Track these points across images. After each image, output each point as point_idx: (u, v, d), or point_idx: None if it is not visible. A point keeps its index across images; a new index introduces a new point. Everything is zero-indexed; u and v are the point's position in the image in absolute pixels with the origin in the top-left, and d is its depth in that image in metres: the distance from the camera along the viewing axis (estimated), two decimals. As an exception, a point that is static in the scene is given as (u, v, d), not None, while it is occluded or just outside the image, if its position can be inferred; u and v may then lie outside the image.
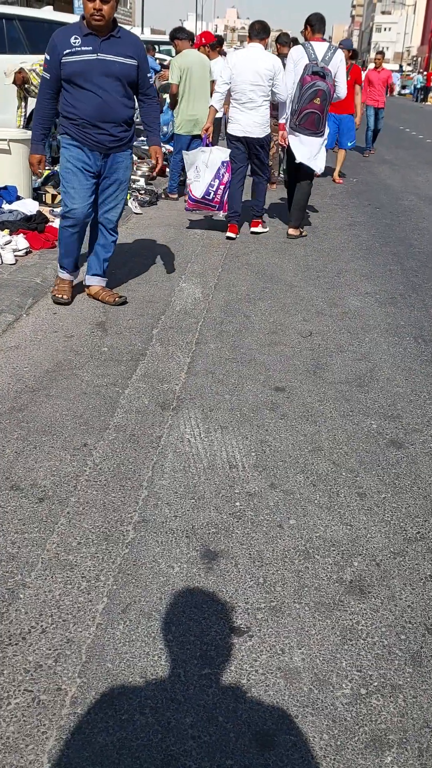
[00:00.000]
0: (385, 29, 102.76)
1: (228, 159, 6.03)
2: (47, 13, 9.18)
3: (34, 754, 1.54)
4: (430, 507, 2.48)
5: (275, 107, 6.15)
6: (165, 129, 7.42)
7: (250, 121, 5.84)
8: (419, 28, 73.38)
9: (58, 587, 2.02)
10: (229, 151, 6.05)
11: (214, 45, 7.97)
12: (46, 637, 1.85)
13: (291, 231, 6.35)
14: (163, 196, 7.82)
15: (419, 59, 63.30)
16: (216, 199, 6.09)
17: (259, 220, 6.46)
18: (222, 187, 6.05)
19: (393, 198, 8.48)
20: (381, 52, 12.72)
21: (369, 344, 3.93)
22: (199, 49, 7.48)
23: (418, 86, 41.72)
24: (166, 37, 14.02)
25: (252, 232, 6.42)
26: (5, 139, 5.97)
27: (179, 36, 7.28)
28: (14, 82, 7.23)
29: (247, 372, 3.49)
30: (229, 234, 6.21)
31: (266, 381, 3.41)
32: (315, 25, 5.80)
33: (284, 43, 7.95)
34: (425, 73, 45.07)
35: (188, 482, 2.56)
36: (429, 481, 2.64)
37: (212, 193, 6.05)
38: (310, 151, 5.92)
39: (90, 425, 2.92)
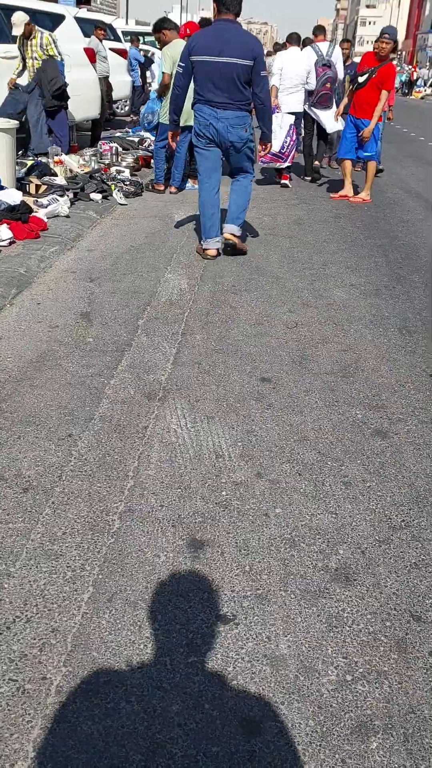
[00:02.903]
0: (369, 23, 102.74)
1: (293, 123, 8.03)
2: (31, 2, 9.06)
3: (19, 743, 1.53)
4: (414, 495, 2.49)
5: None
6: (150, 117, 7.31)
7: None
8: (403, 22, 73.41)
9: (43, 577, 2.01)
10: (293, 117, 8.08)
11: None
12: (31, 627, 1.83)
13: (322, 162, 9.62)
14: (150, 187, 7.73)
15: (403, 53, 63.38)
16: (286, 153, 7.99)
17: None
18: (292, 143, 7.99)
19: (378, 191, 8.48)
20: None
21: (354, 335, 3.94)
22: (184, 39, 7.42)
23: (404, 80, 41.79)
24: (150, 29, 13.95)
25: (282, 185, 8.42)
26: (-12, 129, 5.90)
27: (167, 26, 7.17)
28: (22, 34, 7.47)
29: (233, 363, 3.49)
30: (284, 182, 8.46)
31: (252, 371, 3.40)
32: (317, 32, 8.74)
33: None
34: (410, 67, 45.15)
35: (174, 472, 2.55)
36: (413, 470, 2.65)
37: (285, 148, 7.94)
38: (329, 120, 8.32)
39: (75, 416, 2.90)
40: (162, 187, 7.68)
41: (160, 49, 7.73)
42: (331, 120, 8.31)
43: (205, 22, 7.96)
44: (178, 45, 6.93)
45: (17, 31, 7.39)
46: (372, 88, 7.20)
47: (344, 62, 8.47)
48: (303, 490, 2.49)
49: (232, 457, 2.67)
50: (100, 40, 10.93)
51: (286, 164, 8.17)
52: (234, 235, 5.29)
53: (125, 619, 1.88)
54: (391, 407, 3.13)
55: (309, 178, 9.01)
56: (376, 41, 7.23)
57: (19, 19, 7.33)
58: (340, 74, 8.27)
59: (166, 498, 2.40)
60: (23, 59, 7.73)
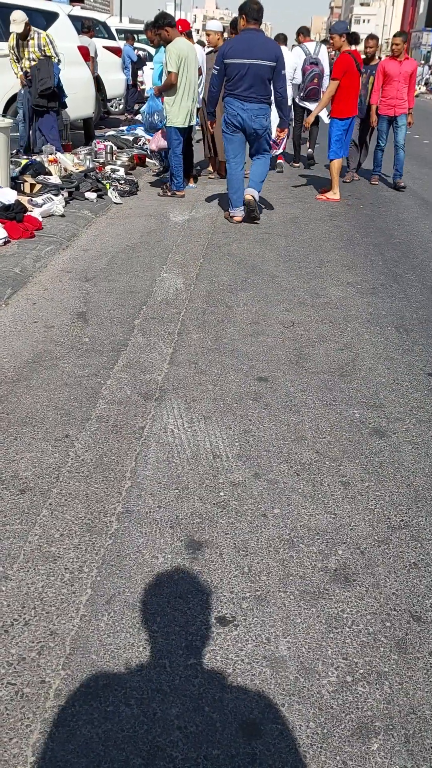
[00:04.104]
0: (363, 21, 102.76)
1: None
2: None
3: (18, 748, 1.52)
4: (413, 495, 2.49)
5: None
6: (157, 118, 7.07)
7: None
8: (398, 20, 73.48)
9: (41, 579, 2.00)
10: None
11: (189, 34, 7.77)
12: (29, 630, 1.82)
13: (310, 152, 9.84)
14: (168, 193, 7.46)
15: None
16: (279, 141, 8.49)
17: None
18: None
19: (373, 189, 8.48)
20: (400, 34, 8.24)
21: (351, 334, 3.93)
22: (151, 40, 7.32)
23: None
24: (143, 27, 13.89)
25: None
26: (-18, 128, 5.87)
27: (172, 23, 6.93)
28: (20, 33, 7.46)
29: (230, 362, 3.48)
30: (279, 161, 9.25)
31: (249, 371, 3.39)
32: (304, 33, 9.06)
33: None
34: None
35: (172, 472, 2.54)
36: (412, 470, 2.64)
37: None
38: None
39: (72, 416, 2.89)
40: (183, 194, 7.48)
41: (156, 46, 7.62)
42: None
43: (235, 22, 7.70)
44: (181, 42, 6.80)
45: (17, 28, 7.33)
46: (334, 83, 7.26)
47: (371, 61, 8.31)
48: (301, 491, 2.48)
49: (230, 457, 2.66)
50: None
51: (280, 150, 9.15)
52: (253, 197, 6.32)
53: (124, 621, 1.87)
54: (388, 406, 3.12)
55: (297, 165, 9.85)
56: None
57: (20, 17, 7.30)
58: (327, 70, 8.49)
59: (163, 499, 2.39)
60: (17, 59, 7.68)
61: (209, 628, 1.86)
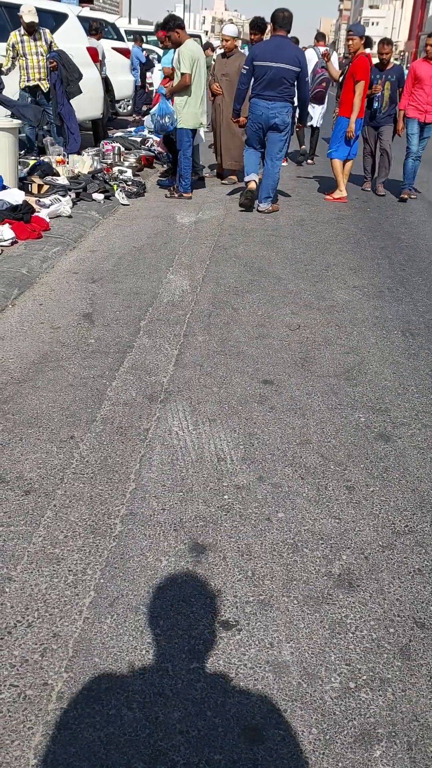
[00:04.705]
0: (373, 23, 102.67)
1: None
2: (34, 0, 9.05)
3: (20, 750, 1.52)
4: (418, 500, 2.48)
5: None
6: (168, 120, 7.02)
7: None
8: (407, 23, 73.30)
9: (45, 581, 2.00)
10: None
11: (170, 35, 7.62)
12: (33, 632, 1.82)
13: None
14: (176, 195, 7.47)
15: (406, 54, 63.31)
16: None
17: None
18: None
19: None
20: None
21: (357, 337, 3.93)
22: (162, 40, 7.32)
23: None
24: (152, 28, 13.87)
25: None
26: (-10, 128, 5.88)
27: (181, 25, 6.96)
28: (26, 31, 7.56)
29: (236, 364, 3.48)
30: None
31: (254, 374, 3.39)
32: (318, 38, 9.64)
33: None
34: None
35: (176, 475, 2.54)
36: (417, 475, 2.63)
37: None
38: (316, 115, 9.70)
39: (77, 417, 2.89)
40: (190, 195, 7.49)
41: (165, 48, 7.62)
42: (317, 115, 9.77)
43: (257, 21, 7.71)
44: (192, 44, 6.84)
45: (33, 17, 7.39)
46: (348, 84, 7.26)
47: (386, 66, 7.85)
48: (305, 495, 2.47)
49: (234, 460, 2.66)
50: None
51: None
52: (255, 182, 7.15)
53: (127, 624, 1.87)
54: (394, 411, 3.11)
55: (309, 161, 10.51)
56: (345, 41, 7.40)
57: (31, 10, 7.35)
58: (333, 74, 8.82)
59: (167, 501, 2.39)
60: (15, 56, 7.65)
61: (212, 632, 1.86)
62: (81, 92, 8.08)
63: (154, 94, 9.03)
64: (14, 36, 7.57)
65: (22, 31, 7.57)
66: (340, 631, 1.89)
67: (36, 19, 7.43)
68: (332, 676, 1.75)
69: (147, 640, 1.82)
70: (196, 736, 1.58)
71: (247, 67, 6.62)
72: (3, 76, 7.29)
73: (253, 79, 6.63)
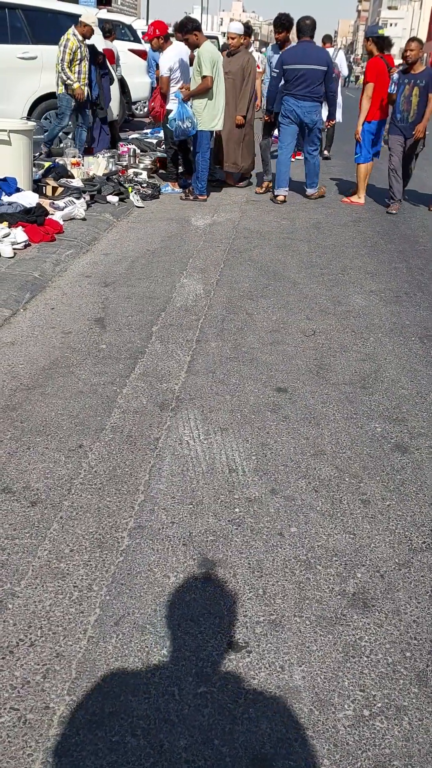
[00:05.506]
0: (391, 24, 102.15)
1: None
2: (51, 2, 9.04)
3: (19, 779, 1.46)
4: (436, 515, 2.39)
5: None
6: (189, 124, 6.93)
7: None
8: (425, 24, 72.77)
9: (49, 597, 1.94)
10: None
11: (168, 36, 7.33)
12: (35, 651, 1.76)
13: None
14: (191, 197, 7.42)
15: (425, 55, 62.84)
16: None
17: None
18: None
19: (398, 194, 8.34)
20: None
21: (373, 344, 3.84)
22: (151, 42, 7.23)
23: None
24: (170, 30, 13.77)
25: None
26: (5, 130, 5.87)
27: (199, 27, 6.92)
28: (84, 35, 7.76)
29: (249, 372, 3.40)
30: (297, 157, 9.53)
31: (268, 381, 3.32)
32: (325, 40, 10.01)
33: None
34: None
35: (186, 487, 2.48)
36: (435, 488, 2.55)
37: None
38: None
39: (86, 425, 2.83)
40: (205, 198, 7.44)
41: (156, 50, 7.52)
42: (322, 115, 9.84)
43: (282, 18, 7.71)
44: (210, 46, 6.87)
45: (94, 20, 7.66)
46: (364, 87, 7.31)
47: (409, 69, 6.93)
48: (319, 508, 2.40)
49: (246, 471, 2.59)
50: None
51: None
52: (311, 196, 7.86)
53: (132, 644, 1.80)
54: (411, 420, 3.02)
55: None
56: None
57: (94, 20, 7.59)
58: (344, 72, 9.76)
59: (177, 514, 2.32)
60: (71, 61, 7.76)
61: (221, 654, 1.79)
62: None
63: (152, 91, 9.13)
64: (74, 41, 7.68)
65: (80, 37, 7.73)
66: (354, 654, 1.82)
67: (95, 22, 7.70)
68: (345, 702, 1.68)
69: (153, 662, 1.75)
70: (202, 766, 1.51)
71: (278, 71, 7.22)
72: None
73: (283, 80, 7.16)
